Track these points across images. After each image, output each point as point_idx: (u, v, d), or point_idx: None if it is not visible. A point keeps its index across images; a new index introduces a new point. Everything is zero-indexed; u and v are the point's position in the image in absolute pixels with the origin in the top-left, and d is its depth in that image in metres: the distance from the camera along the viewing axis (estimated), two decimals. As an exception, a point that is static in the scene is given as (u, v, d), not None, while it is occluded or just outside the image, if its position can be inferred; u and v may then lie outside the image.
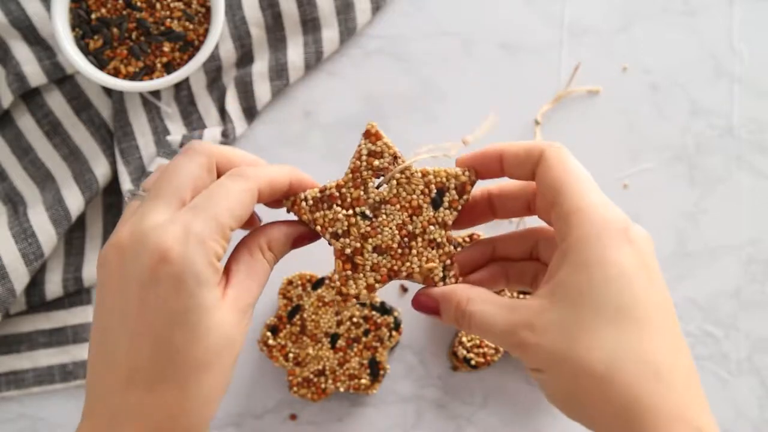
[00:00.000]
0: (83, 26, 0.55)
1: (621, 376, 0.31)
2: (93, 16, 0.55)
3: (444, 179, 0.40)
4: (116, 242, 0.33)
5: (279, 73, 0.58)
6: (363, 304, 0.54)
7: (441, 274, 0.40)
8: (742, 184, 0.58)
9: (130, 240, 0.32)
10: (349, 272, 0.40)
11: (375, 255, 0.40)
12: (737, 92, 0.59)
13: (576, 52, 0.59)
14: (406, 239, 0.40)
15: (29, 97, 0.57)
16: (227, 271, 0.36)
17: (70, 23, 0.55)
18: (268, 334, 0.54)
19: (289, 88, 0.58)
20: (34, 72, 0.55)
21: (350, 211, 0.40)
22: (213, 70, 0.57)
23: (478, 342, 0.54)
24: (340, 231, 0.40)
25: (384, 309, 0.54)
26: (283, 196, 0.39)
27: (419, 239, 0.40)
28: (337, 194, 0.40)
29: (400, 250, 0.40)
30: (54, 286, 0.56)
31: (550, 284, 0.33)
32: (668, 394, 0.31)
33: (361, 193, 0.40)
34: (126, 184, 0.55)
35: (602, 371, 0.31)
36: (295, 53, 0.58)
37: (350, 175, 0.41)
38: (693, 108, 0.59)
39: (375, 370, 0.54)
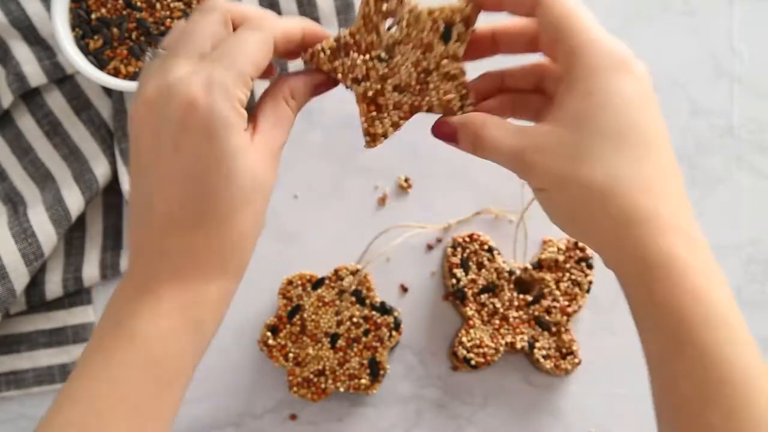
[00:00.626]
0: (83, 26, 0.55)
1: (620, 190, 0.33)
2: (93, 16, 0.55)
3: (449, 14, 0.42)
4: (144, 98, 0.34)
5: (279, 72, 0.58)
6: (363, 304, 0.54)
7: (459, 104, 0.42)
8: (742, 184, 0.58)
9: (156, 94, 0.34)
10: (374, 113, 0.43)
11: (396, 94, 0.43)
12: (737, 92, 0.59)
13: (576, 52, 0.59)
14: (422, 75, 0.43)
15: (29, 97, 0.57)
16: (254, 119, 0.37)
17: (70, 23, 0.55)
18: (268, 334, 0.54)
19: (289, 88, 0.58)
20: (34, 72, 0.55)
21: (367, 56, 0.42)
22: (213, 70, 0.57)
23: (478, 342, 0.54)
24: (360, 76, 0.43)
25: (384, 309, 0.54)
26: (297, 47, 0.39)
27: (435, 74, 0.43)
28: (352, 41, 0.42)
29: (418, 87, 0.43)
30: (54, 286, 0.56)
31: (557, 112, 0.35)
32: (663, 207, 0.34)
33: (375, 37, 0.42)
34: (126, 184, 0.55)
35: (603, 186, 0.33)
36: (295, 53, 0.58)
37: (361, 22, 0.42)
38: (693, 108, 0.59)
39: (375, 370, 0.54)
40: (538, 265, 0.54)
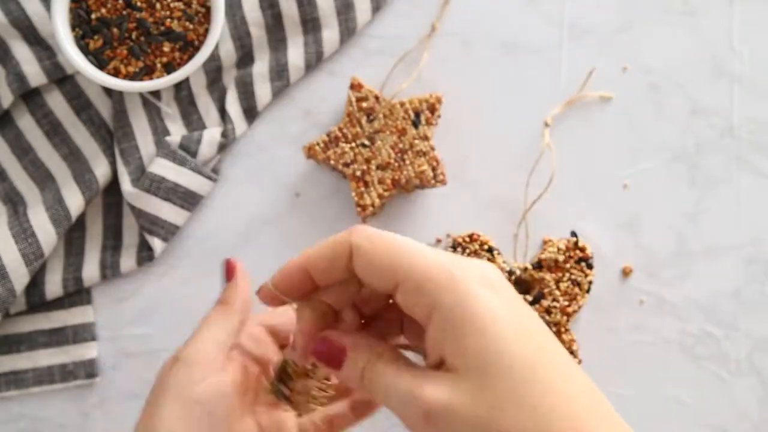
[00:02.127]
0: (83, 26, 0.55)
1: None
2: (93, 16, 0.55)
3: (417, 104, 0.55)
4: None
5: (279, 73, 0.58)
6: None
7: (431, 173, 0.54)
8: (742, 184, 0.58)
9: None
10: (363, 189, 0.54)
11: (379, 171, 0.54)
12: (737, 92, 0.59)
13: (576, 52, 0.59)
14: (399, 154, 0.54)
15: (29, 97, 0.57)
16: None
17: (70, 23, 0.55)
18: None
19: (290, 88, 0.58)
20: (34, 72, 0.55)
21: (353, 144, 0.55)
22: (213, 71, 0.57)
23: None
24: (348, 160, 0.55)
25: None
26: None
27: (409, 152, 0.54)
28: (341, 134, 0.55)
29: (397, 164, 0.54)
30: (54, 286, 0.56)
31: (442, 356, 0.30)
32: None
33: (358, 129, 0.55)
34: (126, 184, 0.55)
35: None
36: (295, 53, 0.58)
37: (347, 119, 0.55)
38: (693, 108, 0.59)
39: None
40: (538, 265, 0.54)
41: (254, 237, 0.58)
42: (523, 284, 0.55)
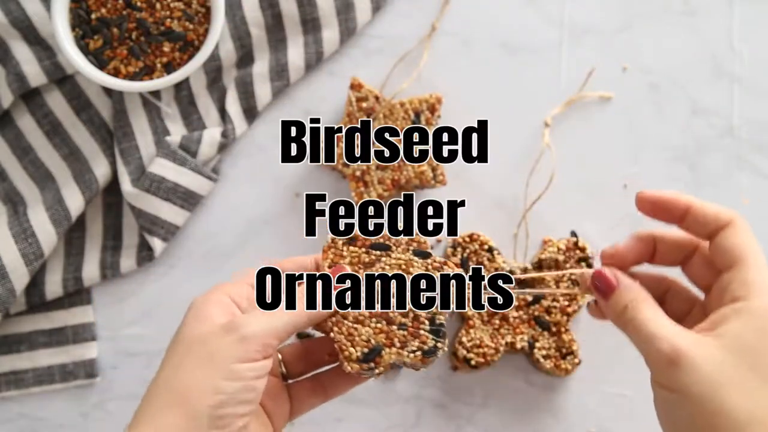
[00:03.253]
0: (83, 26, 0.55)
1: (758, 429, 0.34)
2: (93, 16, 0.55)
3: (417, 104, 0.54)
4: None
5: (279, 73, 0.58)
6: (421, 307, 0.53)
7: (431, 174, 0.54)
8: (742, 184, 0.58)
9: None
10: (362, 189, 0.54)
11: (379, 172, 0.54)
12: (737, 92, 0.59)
13: (576, 52, 0.59)
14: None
15: (29, 97, 0.57)
16: None
17: (70, 23, 0.55)
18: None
19: (290, 88, 0.58)
20: (34, 72, 0.55)
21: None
22: (213, 70, 0.57)
23: (478, 342, 0.54)
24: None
25: (436, 330, 0.52)
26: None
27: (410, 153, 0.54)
28: (341, 134, 0.54)
29: (396, 164, 0.54)
30: (54, 286, 0.56)
31: (720, 330, 0.36)
32: None
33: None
34: (126, 184, 0.55)
35: (742, 419, 0.34)
36: (295, 53, 0.58)
37: (347, 119, 0.55)
38: (693, 108, 0.59)
39: (370, 356, 0.53)
40: (538, 265, 0.54)
41: (254, 237, 0.58)
42: (523, 284, 0.55)
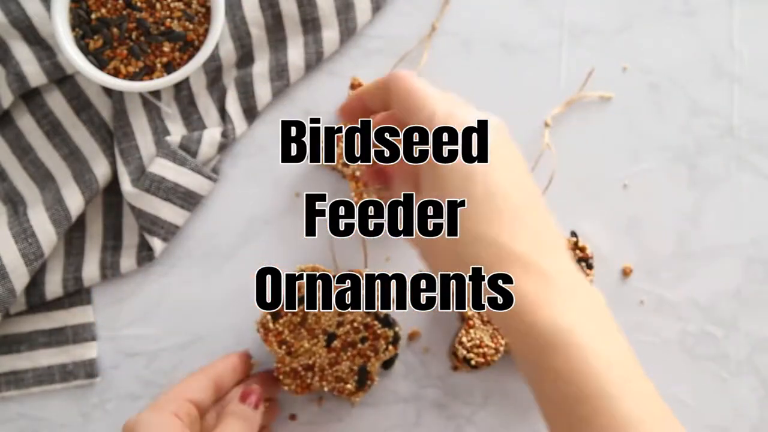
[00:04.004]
0: (83, 26, 0.55)
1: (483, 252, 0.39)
2: (93, 16, 0.55)
3: None
4: None
5: (280, 73, 0.58)
6: (367, 312, 0.54)
7: None
8: (742, 184, 0.58)
9: None
10: (362, 188, 0.54)
11: None
12: (737, 92, 0.59)
13: (576, 52, 0.59)
14: None
15: (29, 97, 0.57)
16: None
17: (70, 23, 0.55)
18: (269, 317, 0.54)
19: (290, 88, 0.58)
20: (34, 72, 0.55)
21: None
22: (213, 70, 0.57)
23: (478, 342, 0.54)
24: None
25: (386, 321, 0.53)
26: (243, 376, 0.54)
27: None
28: (341, 134, 0.55)
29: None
30: (54, 286, 0.56)
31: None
32: (516, 245, 0.38)
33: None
34: (126, 184, 0.55)
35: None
36: (295, 53, 0.58)
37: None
38: (693, 108, 0.59)
39: (363, 379, 0.53)
40: None
41: (254, 237, 0.58)
42: None
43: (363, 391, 0.54)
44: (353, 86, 0.55)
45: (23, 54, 0.55)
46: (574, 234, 0.55)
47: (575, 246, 0.54)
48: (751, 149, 0.58)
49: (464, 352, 0.54)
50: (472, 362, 0.54)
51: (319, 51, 0.58)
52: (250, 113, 0.58)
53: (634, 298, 0.58)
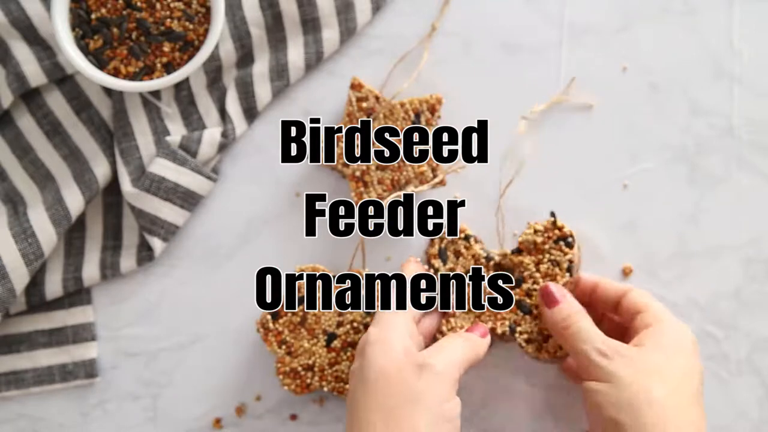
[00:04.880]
0: (83, 26, 0.55)
1: (672, 408, 0.44)
2: (93, 16, 0.55)
3: (417, 104, 0.55)
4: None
5: (279, 73, 0.58)
6: (367, 312, 0.54)
7: (431, 174, 0.54)
8: (742, 184, 0.58)
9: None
10: (362, 189, 0.54)
11: (378, 172, 0.54)
12: (737, 92, 0.59)
13: (576, 52, 0.59)
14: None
15: (29, 97, 0.57)
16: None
17: (70, 23, 0.55)
18: (269, 317, 0.54)
19: (290, 88, 0.58)
20: (34, 72, 0.55)
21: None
22: (213, 70, 0.57)
23: (458, 330, 0.53)
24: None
25: None
26: None
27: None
28: (341, 134, 0.55)
29: (396, 165, 0.54)
30: (54, 286, 0.56)
31: (638, 341, 0.47)
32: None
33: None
34: (126, 184, 0.55)
35: (660, 398, 0.43)
36: (295, 53, 0.58)
37: (347, 119, 0.55)
38: (693, 108, 0.59)
39: None
40: (518, 250, 0.53)
41: (254, 237, 0.58)
42: (503, 270, 0.53)
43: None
44: (353, 86, 0.55)
45: (23, 54, 0.55)
46: (553, 214, 0.53)
47: (554, 226, 0.53)
48: (751, 149, 0.58)
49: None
50: None
51: (319, 51, 0.58)
52: (250, 113, 0.58)
53: (634, 298, 0.57)
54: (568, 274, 0.52)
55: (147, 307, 0.57)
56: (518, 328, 0.52)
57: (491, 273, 0.53)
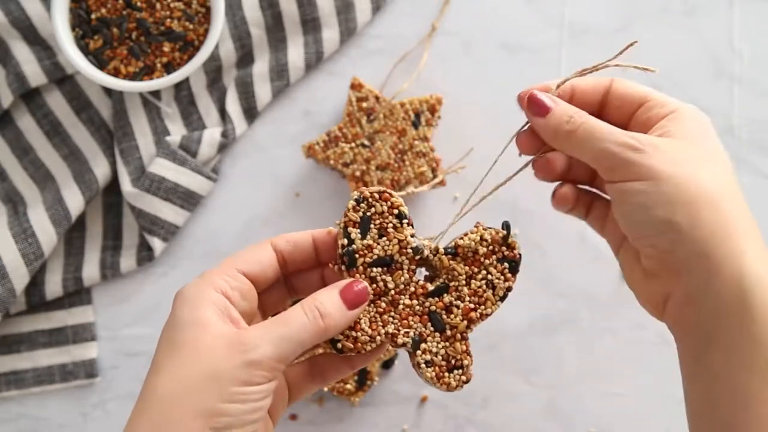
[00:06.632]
0: (83, 26, 0.55)
1: (725, 201, 0.38)
2: (93, 16, 0.55)
3: (417, 104, 0.55)
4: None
5: (279, 73, 0.58)
6: None
7: (431, 175, 0.54)
8: (742, 184, 0.58)
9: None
10: (363, 188, 0.46)
11: (378, 172, 0.55)
12: (737, 92, 0.59)
13: (576, 52, 0.59)
14: (399, 155, 0.55)
15: (29, 97, 0.57)
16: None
17: (70, 23, 0.55)
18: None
19: (290, 88, 0.58)
20: (34, 72, 0.55)
21: (353, 144, 0.55)
22: (213, 70, 0.57)
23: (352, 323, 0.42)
24: (348, 160, 0.55)
25: None
26: (310, 255, 0.42)
27: (409, 153, 0.55)
28: (341, 134, 0.55)
29: (396, 165, 0.55)
30: (54, 286, 0.56)
31: (662, 131, 0.40)
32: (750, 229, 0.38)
33: (358, 129, 0.55)
34: (126, 184, 0.55)
35: (713, 190, 0.37)
36: (295, 53, 0.58)
37: (347, 119, 0.55)
38: (693, 108, 0.59)
39: (362, 378, 0.53)
40: (453, 251, 0.42)
41: (254, 237, 0.58)
42: (428, 268, 0.43)
43: (363, 391, 0.53)
44: (353, 86, 0.55)
45: (23, 54, 0.55)
46: (506, 226, 0.43)
47: (504, 241, 0.42)
48: (751, 149, 0.58)
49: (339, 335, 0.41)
50: (339, 345, 0.40)
51: (319, 51, 0.58)
52: (250, 113, 0.58)
53: (634, 298, 0.57)
54: (499, 303, 0.42)
55: (147, 307, 0.57)
56: (422, 345, 0.42)
57: (412, 267, 0.42)
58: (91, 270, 0.56)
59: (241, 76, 0.58)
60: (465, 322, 0.42)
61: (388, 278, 0.41)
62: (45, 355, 0.56)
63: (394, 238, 0.42)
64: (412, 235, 0.42)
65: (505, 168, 0.58)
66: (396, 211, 0.42)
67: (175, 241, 0.57)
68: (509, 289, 0.42)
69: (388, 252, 0.42)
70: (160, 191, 0.55)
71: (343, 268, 0.41)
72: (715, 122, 0.59)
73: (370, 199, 0.42)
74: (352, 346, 0.41)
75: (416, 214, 0.58)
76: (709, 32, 0.59)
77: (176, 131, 0.57)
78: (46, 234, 0.54)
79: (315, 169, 0.58)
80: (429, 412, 0.57)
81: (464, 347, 0.42)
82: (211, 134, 0.57)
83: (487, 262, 0.42)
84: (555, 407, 0.57)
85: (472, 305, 0.42)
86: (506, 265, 0.42)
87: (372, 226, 0.42)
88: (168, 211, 0.56)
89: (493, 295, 0.42)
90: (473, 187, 0.58)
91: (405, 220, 0.42)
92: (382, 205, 0.42)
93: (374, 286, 0.41)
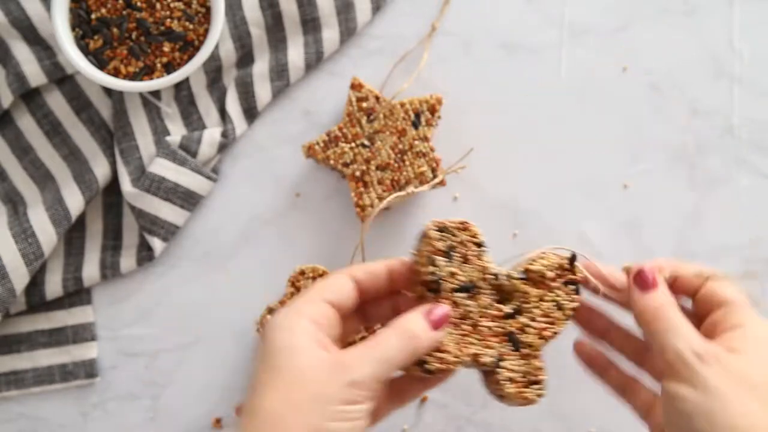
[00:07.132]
0: (83, 26, 0.55)
1: None
2: (93, 16, 0.55)
3: (417, 104, 0.55)
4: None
5: (279, 73, 0.58)
6: None
7: (431, 175, 0.54)
8: (742, 184, 0.58)
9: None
10: (362, 189, 0.54)
11: (378, 172, 0.54)
12: (737, 92, 0.59)
13: (576, 52, 0.59)
14: (399, 155, 0.54)
15: (29, 97, 0.57)
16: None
17: (70, 23, 0.55)
18: (268, 316, 0.53)
19: (290, 88, 0.58)
20: (34, 72, 0.55)
21: (353, 144, 0.54)
22: (213, 70, 0.57)
23: (440, 346, 0.45)
24: (348, 160, 0.54)
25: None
26: (385, 282, 0.44)
27: (409, 153, 0.54)
28: (341, 134, 0.55)
29: (396, 165, 0.54)
30: (54, 286, 0.56)
31: (731, 343, 0.40)
32: None
33: (358, 129, 0.55)
34: (126, 184, 0.55)
35: (758, 425, 0.37)
36: (295, 53, 0.58)
37: (347, 119, 0.55)
38: (693, 108, 0.59)
39: None
40: (524, 276, 0.46)
41: (254, 237, 0.58)
42: (501, 292, 0.46)
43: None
44: (353, 86, 0.55)
45: (23, 54, 0.55)
46: (574, 257, 0.47)
47: (571, 265, 0.47)
48: (751, 149, 0.58)
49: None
50: (428, 365, 0.44)
51: (319, 51, 0.58)
52: (250, 113, 0.58)
53: (634, 298, 0.57)
54: (566, 322, 0.47)
55: (147, 307, 0.57)
56: (502, 363, 0.45)
57: (488, 292, 0.46)
58: (91, 270, 0.56)
59: (241, 76, 0.58)
60: (541, 340, 0.46)
61: (472, 302, 0.45)
62: (45, 355, 0.56)
63: (477, 265, 0.46)
64: (489, 262, 0.46)
65: (505, 168, 0.58)
66: (476, 240, 0.46)
67: (175, 241, 0.57)
68: (574, 308, 0.46)
69: (471, 278, 0.45)
70: (160, 191, 0.55)
71: (429, 293, 0.44)
72: (715, 122, 0.59)
73: (452, 229, 0.46)
74: (441, 366, 0.44)
75: (416, 214, 0.58)
76: (709, 32, 0.59)
77: (176, 131, 0.57)
78: (46, 234, 0.54)
79: (315, 169, 0.58)
80: (429, 412, 0.57)
81: (541, 364, 0.46)
82: (211, 134, 0.57)
83: (554, 284, 0.46)
84: (555, 407, 0.57)
85: (544, 324, 0.46)
86: (571, 287, 0.46)
87: (454, 254, 0.45)
88: (168, 211, 0.56)
89: (562, 314, 0.46)
90: (473, 187, 0.58)
91: (483, 248, 0.46)
92: (463, 235, 0.46)
93: (458, 310, 0.45)
